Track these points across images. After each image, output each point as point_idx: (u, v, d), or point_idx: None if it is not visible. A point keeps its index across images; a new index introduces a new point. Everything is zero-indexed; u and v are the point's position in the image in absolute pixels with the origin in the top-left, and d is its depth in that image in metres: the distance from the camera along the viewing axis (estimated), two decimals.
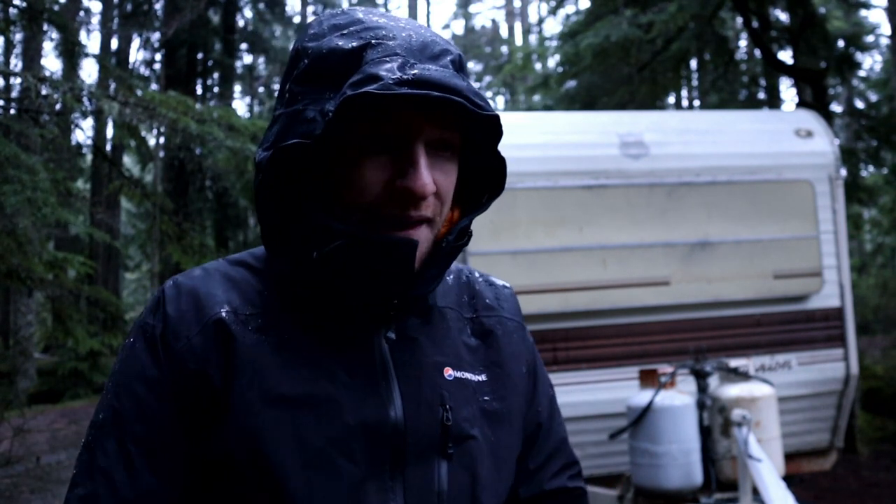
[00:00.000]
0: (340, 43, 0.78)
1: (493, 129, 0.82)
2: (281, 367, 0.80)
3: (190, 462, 0.80)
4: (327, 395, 0.79)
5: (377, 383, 0.82)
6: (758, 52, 9.78)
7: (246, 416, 0.78)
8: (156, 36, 16.29)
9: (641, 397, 3.24)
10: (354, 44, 0.78)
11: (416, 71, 0.74)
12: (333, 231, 0.78)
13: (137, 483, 0.78)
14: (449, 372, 0.87)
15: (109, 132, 12.04)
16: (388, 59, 0.75)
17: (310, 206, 0.80)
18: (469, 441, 0.85)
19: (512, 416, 0.92)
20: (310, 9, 24.62)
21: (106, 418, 0.81)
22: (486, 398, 0.89)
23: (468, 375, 0.89)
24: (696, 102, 15.00)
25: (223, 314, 0.82)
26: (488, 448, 0.87)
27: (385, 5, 29.42)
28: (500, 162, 0.87)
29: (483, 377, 0.90)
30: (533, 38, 21.90)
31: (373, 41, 0.77)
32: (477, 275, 1.03)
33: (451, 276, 0.99)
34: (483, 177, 0.89)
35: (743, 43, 12.25)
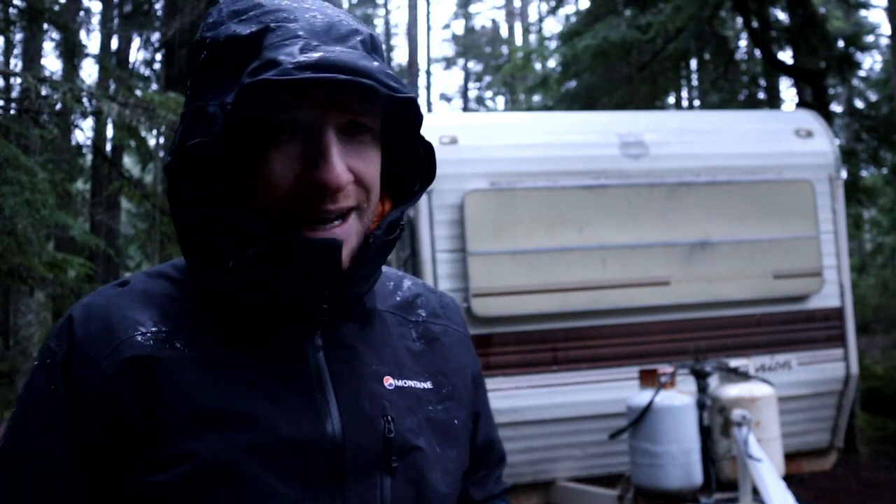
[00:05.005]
0: (238, 29, 0.73)
1: (413, 112, 0.76)
2: (206, 385, 0.73)
3: (98, 501, 0.73)
4: (257, 412, 0.73)
5: (312, 396, 0.75)
6: (758, 52, 9.78)
7: (170, 441, 0.71)
8: (156, 36, 16.28)
9: (641, 397, 3.24)
10: (253, 28, 0.72)
11: (319, 53, 0.68)
12: (249, 235, 0.72)
13: None
14: (389, 381, 0.81)
15: (109, 132, 12.04)
16: (287, 42, 0.70)
17: (222, 210, 0.73)
18: (415, 452, 0.79)
19: (457, 428, 0.87)
20: None
21: (4, 447, 0.74)
22: (431, 407, 0.84)
23: (412, 383, 0.83)
24: (696, 102, 15.00)
25: (137, 337, 0.74)
26: (435, 459, 0.81)
27: (385, 5, 29.44)
28: (427, 148, 0.81)
29: (428, 384, 0.85)
30: (533, 38, 21.91)
31: (272, 24, 0.72)
32: (420, 282, 0.98)
33: (392, 283, 0.93)
34: (415, 166, 0.84)
35: (743, 43, 12.25)
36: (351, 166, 0.74)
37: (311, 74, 0.66)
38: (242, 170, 0.74)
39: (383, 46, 0.80)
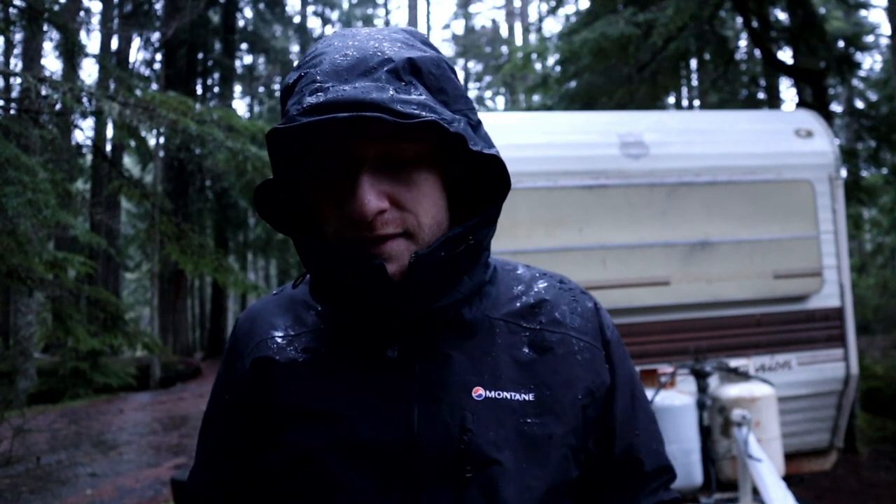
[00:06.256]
0: (290, 78, 0.80)
1: (445, 133, 0.76)
2: (311, 384, 0.84)
3: (254, 467, 0.89)
4: (342, 412, 0.81)
5: (395, 402, 0.81)
6: (758, 52, 9.78)
7: (278, 429, 0.84)
8: (156, 36, 16.29)
9: None
10: (295, 76, 0.79)
11: (328, 96, 0.72)
12: (307, 258, 0.82)
13: (216, 475, 0.95)
14: (479, 391, 0.82)
15: (109, 132, 12.04)
16: (304, 89, 0.75)
17: (293, 236, 0.84)
18: (493, 466, 0.80)
19: (551, 445, 0.84)
20: (310, 9, 24.63)
21: (205, 413, 0.98)
22: (528, 420, 0.83)
23: (507, 395, 0.83)
24: (696, 102, 15.00)
25: (267, 339, 0.90)
26: (517, 474, 0.81)
27: (385, 5, 29.44)
28: (496, 163, 0.81)
29: (529, 397, 0.84)
30: (533, 38, 21.91)
31: (303, 72, 0.78)
32: (558, 284, 0.96)
33: (521, 286, 0.93)
34: (490, 181, 0.85)
35: (743, 43, 12.25)
36: (390, 194, 0.77)
37: (313, 118, 0.72)
38: (309, 203, 0.84)
39: (434, 67, 0.79)
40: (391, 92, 0.73)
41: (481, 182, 0.87)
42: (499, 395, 0.83)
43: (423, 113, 0.73)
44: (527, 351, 0.87)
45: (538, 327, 0.89)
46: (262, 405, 0.87)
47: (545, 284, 0.94)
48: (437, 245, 0.78)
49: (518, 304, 0.90)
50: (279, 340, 0.89)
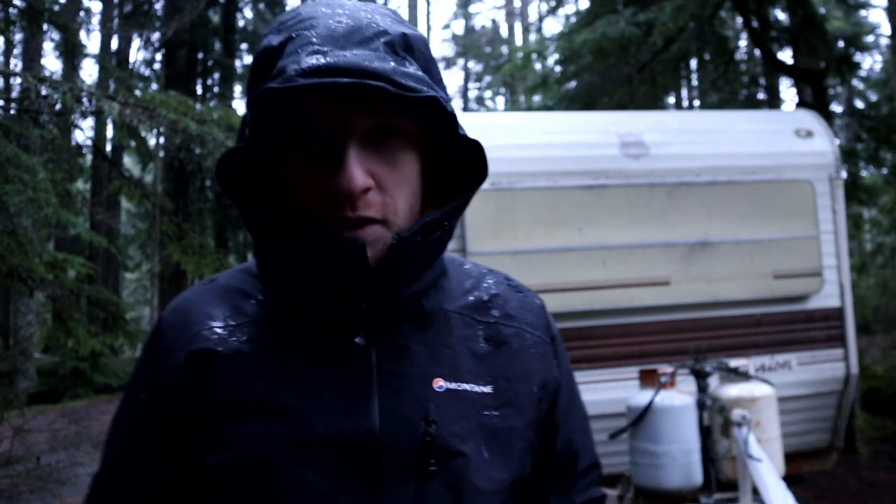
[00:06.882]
0: (272, 40, 0.75)
1: (442, 112, 0.74)
2: (255, 378, 0.78)
3: (180, 472, 0.80)
4: (296, 406, 0.76)
5: (354, 394, 0.77)
6: (758, 52, 9.78)
7: (220, 427, 0.77)
8: (156, 36, 16.29)
9: (641, 397, 3.24)
10: (280, 39, 0.74)
11: (328, 59, 0.69)
12: (271, 238, 0.77)
13: (125, 485, 0.83)
14: (440, 383, 0.80)
15: (109, 132, 12.05)
16: (299, 50, 0.71)
17: (252, 212, 0.77)
18: (457, 458, 0.77)
19: (511, 437, 0.83)
20: None
21: (114, 418, 0.87)
22: (488, 412, 0.81)
23: (467, 387, 0.81)
24: (696, 102, 15.00)
25: (204, 331, 0.81)
26: (481, 466, 0.79)
27: (385, 5, 29.44)
28: (475, 147, 0.79)
29: (488, 389, 0.82)
30: (533, 38, 21.91)
31: (293, 34, 0.74)
32: (505, 280, 0.95)
33: (471, 281, 0.91)
34: (469, 169, 0.83)
35: (743, 43, 12.25)
36: (375, 174, 0.74)
37: (313, 80, 0.68)
38: (280, 175, 0.78)
39: (423, 46, 0.77)
40: (392, 63, 0.71)
41: (455, 168, 0.85)
42: (459, 386, 0.81)
43: (424, 88, 0.71)
44: (483, 344, 0.85)
45: (493, 321, 0.88)
46: (198, 402, 0.78)
47: (494, 280, 0.93)
48: (417, 229, 0.76)
49: (471, 298, 0.89)
50: (219, 331, 0.81)
